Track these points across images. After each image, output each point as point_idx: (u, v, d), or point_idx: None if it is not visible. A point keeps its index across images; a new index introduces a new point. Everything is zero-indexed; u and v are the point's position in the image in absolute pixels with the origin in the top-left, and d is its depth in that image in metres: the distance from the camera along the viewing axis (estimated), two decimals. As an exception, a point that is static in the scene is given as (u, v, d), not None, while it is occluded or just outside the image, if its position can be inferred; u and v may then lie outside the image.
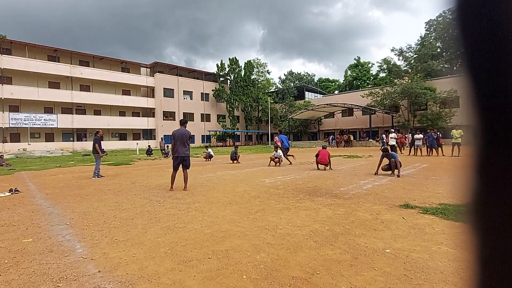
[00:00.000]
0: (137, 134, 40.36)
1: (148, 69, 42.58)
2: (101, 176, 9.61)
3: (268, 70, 51.64)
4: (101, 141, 10.10)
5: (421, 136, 16.47)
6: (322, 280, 2.36)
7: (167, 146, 21.28)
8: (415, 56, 32.42)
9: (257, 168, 11.54)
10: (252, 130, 49.34)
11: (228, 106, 45.70)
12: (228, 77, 46.42)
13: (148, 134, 40.31)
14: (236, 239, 3.37)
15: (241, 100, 45.67)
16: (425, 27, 43.39)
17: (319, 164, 10.34)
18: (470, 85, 0.40)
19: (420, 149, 16.44)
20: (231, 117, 45.88)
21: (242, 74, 46.68)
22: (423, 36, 40.98)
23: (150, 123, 39.61)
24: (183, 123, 6.96)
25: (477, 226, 0.41)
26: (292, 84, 51.35)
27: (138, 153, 24.73)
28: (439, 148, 15.60)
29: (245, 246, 3.12)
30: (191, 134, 7.10)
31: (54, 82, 33.92)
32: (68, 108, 34.35)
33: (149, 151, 21.62)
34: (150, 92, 41.43)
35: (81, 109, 35.71)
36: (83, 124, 34.19)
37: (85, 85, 36.14)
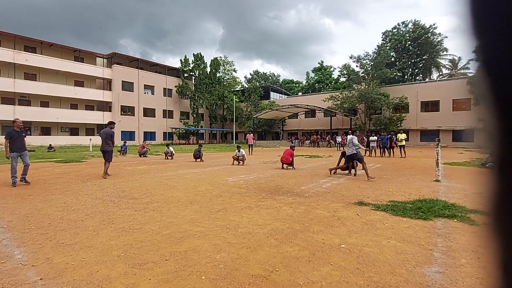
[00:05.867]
0: (90, 129, 37.44)
1: (105, 60, 39.73)
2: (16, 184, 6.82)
3: (234, 69, 51.23)
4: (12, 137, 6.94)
5: (375, 138, 17.68)
6: (281, 277, 2.40)
7: (125, 142, 20.20)
8: (371, 63, 34.74)
9: (220, 166, 11.42)
10: (216, 128, 48.75)
11: (192, 103, 44.55)
12: (193, 74, 45.23)
13: (104, 129, 37.73)
14: (195, 239, 3.29)
15: (206, 98, 44.79)
16: (381, 37, 46.77)
17: (283, 164, 10.59)
18: (487, 85, 0.38)
19: (375, 150, 17.64)
20: (195, 115, 44.76)
21: (208, 71, 45.84)
22: (379, 45, 44.12)
23: (106, 117, 36.96)
24: (109, 123, 8.67)
25: (497, 230, 0.39)
26: (258, 84, 51.74)
27: (91, 150, 22.99)
28: (391, 150, 16.89)
29: (205, 247, 3.06)
30: (114, 132, 8.69)
31: (-7, 68, 30.09)
32: (9, 98, 30.63)
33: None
34: (106, 84, 38.72)
35: (25, 99, 32.11)
36: (27, 117, 30.67)
37: (31, 74, 32.57)
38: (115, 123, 9.07)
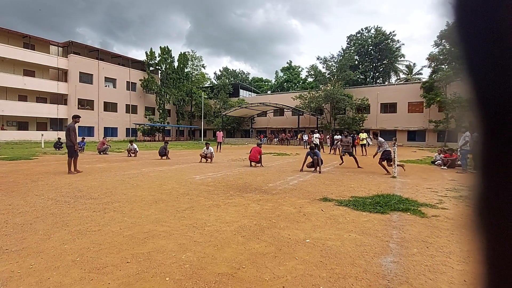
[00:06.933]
0: (42, 124, 34.26)
1: (60, 49, 36.53)
2: None
3: (203, 65, 50.20)
4: None
5: (339, 137, 18.48)
6: (247, 274, 2.41)
7: (83, 139, 18.88)
8: (336, 65, 36.25)
9: (187, 164, 11.15)
10: (184, 125, 47.44)
11: (158, 99, 42.80)
12: (159, 68, 43.42)
13: (58, 124, 34.64)
14: (160, 239, 3.17)
15: (173, 93, 43.27)
16: (346, 41, 48.92)
17: (251, 161, 10.63)
18: (472, 87, 0.39)
19: (339, 148, 18.44)
20: (161, 110, 43.08)
21: (175, 65, 44.32)
22: (344, 48, 46.16)
23: (61, 111, 34.11)
24: (73, 117, 8.44)
25: (482, 228, 0.40)
26: (227, 81, 51.28)
27: (43, 146, 21.10)
28: (354, 148, 17.78)
29: (170, 246, 2.96)
30: (74, 126, 8.33)
31: None
32: None
33: (58, 144, 18.65)
34: (62, 75, 35.67)
35: (-38, 89, 28.47)
36: (-35, 108, 27.37)
37: (-31, 60, 28.96)
38: (79, 117, 8.58)
